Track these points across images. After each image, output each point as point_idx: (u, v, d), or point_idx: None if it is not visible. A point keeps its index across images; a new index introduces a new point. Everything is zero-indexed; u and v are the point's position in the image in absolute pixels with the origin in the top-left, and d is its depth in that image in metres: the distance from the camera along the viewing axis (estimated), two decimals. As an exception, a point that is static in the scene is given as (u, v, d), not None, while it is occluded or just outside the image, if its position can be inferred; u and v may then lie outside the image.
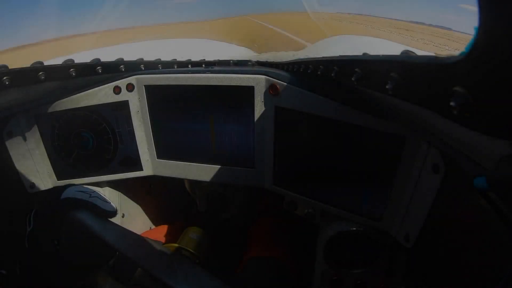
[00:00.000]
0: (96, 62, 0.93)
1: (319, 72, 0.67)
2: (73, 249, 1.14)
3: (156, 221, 1.50)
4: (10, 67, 0.65)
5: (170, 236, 1.32)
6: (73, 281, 0.90)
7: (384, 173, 0.75)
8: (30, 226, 0.71)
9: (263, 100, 0.91)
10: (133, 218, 1.31)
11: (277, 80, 0.88)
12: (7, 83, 0.62)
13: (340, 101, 0.77)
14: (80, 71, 0.84)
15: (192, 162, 1.07)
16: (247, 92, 0.92)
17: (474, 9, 0.19)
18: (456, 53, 0.22)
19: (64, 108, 1.01)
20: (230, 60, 1.34)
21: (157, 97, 1.02)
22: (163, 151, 1.09)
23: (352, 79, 0.45)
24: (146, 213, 1.43)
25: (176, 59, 1.37)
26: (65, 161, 1.09)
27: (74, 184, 1.12)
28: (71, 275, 1.01)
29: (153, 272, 0.92)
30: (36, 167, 1.06)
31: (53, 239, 1.12)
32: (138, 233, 1.30)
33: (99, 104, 1.02)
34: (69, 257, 1.12)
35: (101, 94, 1.01)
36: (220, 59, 1.41)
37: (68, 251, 1.13)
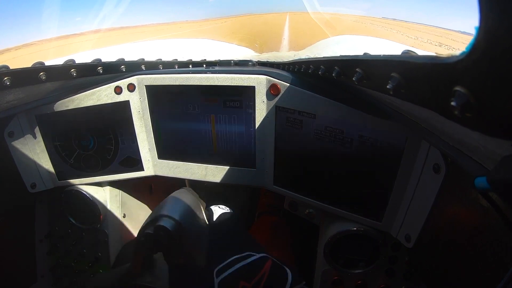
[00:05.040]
0: (97, 62, 0.93)
1: (320, 72, 0.67)
2: None
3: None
4: (11, 67, 0.65)
5: None
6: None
7: (385, 173, 0.75)
8: None
9: (264, 100, 0.91)
10: (134, 218, 1.31)
11: (278, 80, 0.88)
12: (8, 83, 0.62)
13: (341, 101, 0.77)
14: (81, 71, 0.84)
15: (193, 162, 1.07)
16: (248, 92, 0.92)
17: (474, 8, 0.19)
18: (457, 52, 0.22)
19: (65, 108, 1.01)
20: (231, 60, 1.34)
21: (158, 97, 1.02)
22: (164, 151, 1.09)
23: (353, 79, 0.45)
24: (147, 213, 1.43)
25: (177, 59, 1.37)
26: (66, 161, 1.09)
27: (75, 184, 1.12)
28: None
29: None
30: (37, 167, 1.06)
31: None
32: None
33: (100, 104, 1.02)
34: None
35: (102, 94, 1.01)
36: (221, 59, 1.41)
37: None
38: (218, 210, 0.80)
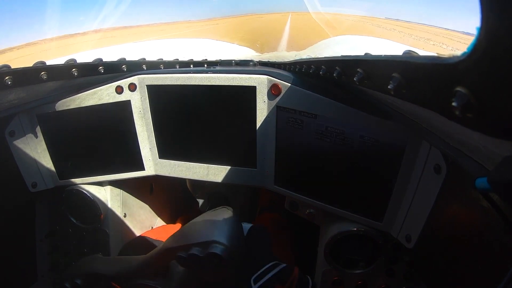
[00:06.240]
0: (98, 62, 0.93)
1: (321, 73, 0.67)
2: None
3: (158, 221, 1.50)
4: (12, 67, 0.66)
5: None
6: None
7: (385, 173, 0.75)
8: None
9: (265, 100, 0.91)
10: (135, 218, 1.31)
11: (279, 80, 0.88)
12: (9, 82, 0.62)
13: (342, 102, 0.77)
14: (82, 71, 0.84)
15: (194, 162, 1.07)
16: (249, 92, 0.92)
17: (476, 9, 0.19)
18: (458, 53, 0.22)
19: (66, 108, 1.01)
20: (232, 60, 1.34)
21: (159, 97, 1.02)
22: (165, 151, 1.09)
23: (354, 79, 0.45)
24: (148, 213, 1.43)
25: (178, 59, 1.37)
26: (67, 160, 1.10)
27: (76, 184, 1.13)
28: None
29: None
30: (38, 166, 1.06)
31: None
32: (140, 232, 1.31)
33: (101, 104, 1.02)
34: None
35: (103, 94, 1.01)
36: (222, 59, 1.41)
37: None
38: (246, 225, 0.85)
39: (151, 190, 1.46)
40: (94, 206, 1.12)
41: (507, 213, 0.42)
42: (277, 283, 0.71)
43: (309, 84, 0.85)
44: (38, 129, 1.03)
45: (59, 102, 1.00)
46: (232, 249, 0.64)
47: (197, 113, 1.01)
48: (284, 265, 0.74)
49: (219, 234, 0.66)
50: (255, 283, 0.70)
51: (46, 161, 1.08)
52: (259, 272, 0.72)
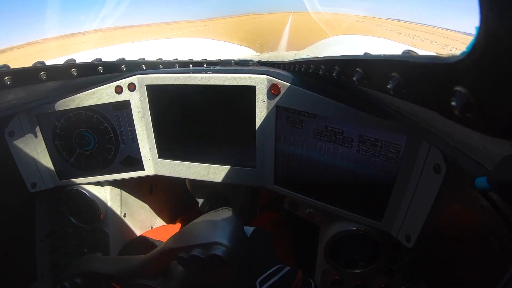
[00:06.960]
0: (98, 62, 0.93)
1: (320, 72, 0.67)
2: None
3: (158, 221, 1.50)
4: (12, 67, 0.65)
5: None
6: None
7: (385, 173, 0.75)
8: None
9: (264, 100, 0.91)
10: (135, 218, 1.31)
11: (278, 80, 0.88)
12: (8, 83, 0.62)
13: (341, 101, 0.77)
14: (81, 71, 0.84)
15: (194, 162, 1.07)
16: (249, 91, 0.92)
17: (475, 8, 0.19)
18: (458, 52, 0.22)
19: (65, 108, 1.01)
20: (231, 60, 1.34)
21: (159, 96, 1.02)
22: (165, 150, 1.09)
23: (354, 79, 0.45)
24: (148, 213, 1.43)
25: (177, 59, 1.37)
26: (66, 160, 1.10)
27: (75, 184, 1.13)
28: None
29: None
30: (37, 166, 1.06)
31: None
32: (139, 232, 1.31)
33: (100, 104, 1.02)
34: None
35: (102, 94, 1.01)
36: (222, 58, 1.41)
37: None
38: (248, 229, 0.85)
39: (151, 190, 1.46)
40: (93, 206, 1.12)
41: (507, 213, 0.42)
42: (281, 286, 0.72)
43: (309, 83, 0.85)
44: (37, 129, 1.03)
45: (59, 102, 1.00)
46: (234, 251, 0.64)
47: (197, 113, 1.01)
48: (288, 268, 0.75)
49: (221, 235, 0.66)
50: (261, 285, 0.71)
51: (46, 161, 1.08)
52: (264, 275, 0.72)
